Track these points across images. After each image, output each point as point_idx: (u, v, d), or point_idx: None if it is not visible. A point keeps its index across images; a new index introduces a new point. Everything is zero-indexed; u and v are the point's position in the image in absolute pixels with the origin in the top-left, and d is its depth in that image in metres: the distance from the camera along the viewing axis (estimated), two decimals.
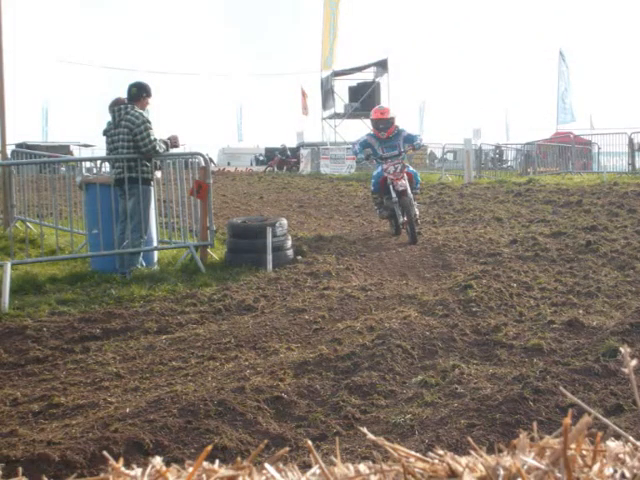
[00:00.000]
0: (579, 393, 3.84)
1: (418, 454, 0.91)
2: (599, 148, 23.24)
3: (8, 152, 12.43)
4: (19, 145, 23.02)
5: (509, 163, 30.25)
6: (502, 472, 0.85)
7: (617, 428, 0.98)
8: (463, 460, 0.90)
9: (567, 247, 8.44)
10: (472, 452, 0.93)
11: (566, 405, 3.58)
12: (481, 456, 0.90)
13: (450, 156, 31.15)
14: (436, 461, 0.90)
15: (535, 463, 0.85)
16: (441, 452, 0.92)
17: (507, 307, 5.89)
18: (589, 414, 0.91)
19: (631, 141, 19.85)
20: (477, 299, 5.97)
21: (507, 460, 0.87)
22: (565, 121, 31.54)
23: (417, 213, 9.86)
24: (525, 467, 0.85)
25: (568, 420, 0.84)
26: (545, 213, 11.49)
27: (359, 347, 4.73)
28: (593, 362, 4.24)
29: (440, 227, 10.85)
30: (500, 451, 0.92)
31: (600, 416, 0.99)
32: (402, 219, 9.67)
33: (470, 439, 1.06)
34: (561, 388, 3.66)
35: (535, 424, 1.03)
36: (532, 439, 0.93)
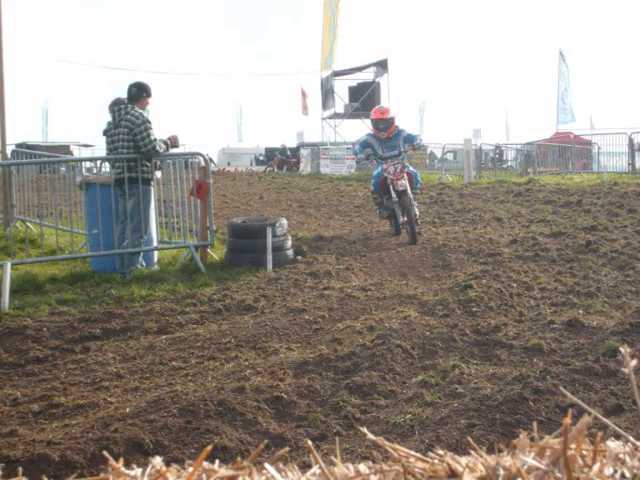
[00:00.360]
0: (579, 393, 3.84)
1: (418, 454, 0.91)
2: (599, 148, 23.23)
3: (8, 152, 12.43)
4: (19, 145, 22.99)
5: (509, 163, 30.25)
6: (502, 472, 0.85)
7: (617, 428, 0.98)
8: (463, 460, 0.90)
9: (567, 247, 8.44)
10: (472, 452, 0.93)
11: (566, 405, 3.58)
12: (481, 456, 0.90)
13: (450, 156, 31.16)
14: (436, 461, 0.90)
15: (535, 463, 0.85)
16: (441, 452, 0.92)
17: (507, 307, 5.89)
18: (589, 414, 0.91)
19: (631, 141, 19.84)
20: (477, 299, 5.97)
21: (507, 460, 0.87)
22: (565, 121, 31.53)
23: (417, 213, 9.86)
24: (525, 467, 0.85)
25: (568, 420, 0.84)
26: (545, 213, 11.49)
27: (359, 347, 4.73)
28: (593, 362, 4.24)
29: (440, 227, 10.85)
30: (500, 451, 0.92)
31: (600, 416, 0.99)
32: (402, 219, 9.67)
33: (470, 439, 1.06)
34: (561, 388, 3.65)
35: (535, 424, 1.03)
36: (532, 439, 0.93)
